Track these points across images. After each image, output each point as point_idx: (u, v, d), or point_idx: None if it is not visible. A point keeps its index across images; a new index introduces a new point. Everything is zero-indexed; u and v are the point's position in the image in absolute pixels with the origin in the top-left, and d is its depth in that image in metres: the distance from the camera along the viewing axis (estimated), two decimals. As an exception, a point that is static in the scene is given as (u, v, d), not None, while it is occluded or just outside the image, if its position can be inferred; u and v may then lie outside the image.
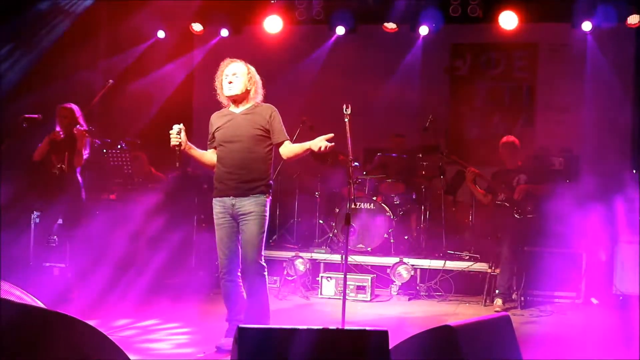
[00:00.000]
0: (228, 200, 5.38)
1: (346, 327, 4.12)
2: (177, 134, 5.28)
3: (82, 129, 7.49)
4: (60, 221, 7.58)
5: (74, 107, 7.65)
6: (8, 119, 7.74)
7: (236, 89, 5.42)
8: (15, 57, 9.06)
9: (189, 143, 5.37)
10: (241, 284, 5.50)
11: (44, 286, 7.12)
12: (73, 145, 7.53)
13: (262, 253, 5.40)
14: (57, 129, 7.56)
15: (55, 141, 7.53)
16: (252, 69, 5.55)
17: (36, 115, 7.36)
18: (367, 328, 3.43)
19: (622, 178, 9.61)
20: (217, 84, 5.54)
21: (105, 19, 10.81)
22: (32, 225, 7.37)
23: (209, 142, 5.60)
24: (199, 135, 5.71)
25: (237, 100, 5.48)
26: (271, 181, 5.51)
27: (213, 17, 10.60)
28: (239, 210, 5.34)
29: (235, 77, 5.42)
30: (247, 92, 5.47)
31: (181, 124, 5.33)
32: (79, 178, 7.59)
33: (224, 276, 5.45)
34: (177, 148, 5.28)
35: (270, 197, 5.48)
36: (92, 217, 8.65)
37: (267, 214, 5.42)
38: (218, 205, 5.45)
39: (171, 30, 10.76)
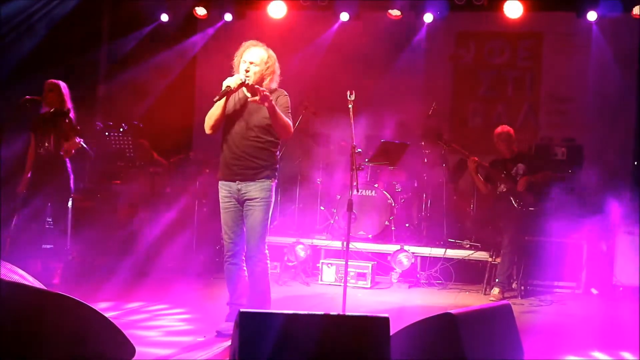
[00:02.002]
0: (234, 185, 5.37)
1: (347, 313, 4.12)
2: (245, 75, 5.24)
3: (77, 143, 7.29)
4: (49, 204, 7.45)
5: (62, 84, 7.41)
6: (10, 101, 7.70)
7: (251, 79, 5.32)
8: (17, 38, 9.05)
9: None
10: (244, 268, 5.50)
11: (44, 268, 7.18)
12: (59, 125, 7.28)
13: (266, 240, 5.41)
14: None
15: (43, 119, 7.32)
16: (273, 56, 5.44)
17: (38, 97, 7.31)
18: (369, 314, 3.43)
19: (625, 168, 9.62)
20: (234, 62, 5.43)
21: (108, 1, 10.78)
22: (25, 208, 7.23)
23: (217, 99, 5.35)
24: (201, 119, 5.64)
25: (251, 87, 5.34)
26: (277, 165, 5.49)
27: (217, 1, 10.53)
28: (245, 196, 5.35)
29: (253, 65, 5.32)
30: (262, 80, 5.37)
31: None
32: (67, 160, 7.33)
33: (228, 259, 5.47)
34: (228, 88, 5.21)
35: (276, 181, 5.47)
36: (93, 200, 8.67)
37: (273, 198, 5.42)
38: (224, 190, 5.44)
39: (174, 13, 10.70)
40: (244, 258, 5.48)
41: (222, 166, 5.46)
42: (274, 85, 5.45)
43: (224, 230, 5.47)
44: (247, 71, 5.32)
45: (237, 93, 5.45)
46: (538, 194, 7.83)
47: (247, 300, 5.44)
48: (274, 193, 5.43)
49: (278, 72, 5.49)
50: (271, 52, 5.46)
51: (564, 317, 6.97)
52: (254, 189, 5.33)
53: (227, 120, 5.43)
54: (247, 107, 5.40)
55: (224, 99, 5.30)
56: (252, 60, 5.34)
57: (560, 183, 8.44)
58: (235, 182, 5.37)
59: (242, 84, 5.29)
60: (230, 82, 5.25)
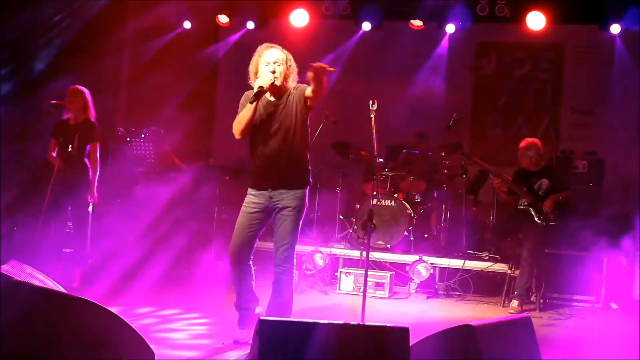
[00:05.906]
0: (266, 194, 5.25)
1: (367, 323, 4.10)
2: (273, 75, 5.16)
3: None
4: (70, 208, 7.48)
5: (86, 90, 7.42)
6: (34, 105, 7.77)
7: (279, 80, 5.23)
8: (42, 44, 9.15)
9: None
10: (252, 273, 5.43)
11: (64, 272, 7.22)
12: (85, 131, 7.31)
13: (294, 251, 5.29)
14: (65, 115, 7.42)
15: (66, 125, 7.36)
16: (290, 55, 5.36)
17: (62, 102, 7.36)
18: (389, 324, 3.42)
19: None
20: (251, 67, 5.32)
21: (132, 8, 10.87)
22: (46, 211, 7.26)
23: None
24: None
25: (276, 89, 5.28)
26: (310, 167, 5.38)
27: (239, 9, 10.60)
28: (277, 203, 5.23)
29: (277, 65, 5.24)
30: (286, 79, 5.29)
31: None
32: (88, 164, 7.36)
33: (231, 263, 5.37)
34: (261, 89, 5.10)
35: (309, 186, 5.36)
36: (114, 205, 8.72)
37: (305, 205, 5.30)
38: (252, 196, 5.31)
39: (197, 21, 10.78)
40: (250, 263, 5.41)
41: (254, 174, 5.34)
42: (294, 84, 5.36)
43: (234, 231, 5.36)
44: (273, 72, 5.22)
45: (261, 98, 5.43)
46: (560, 208, 7.75)
47: (268, 307, 5.38)
48: (306, 199, 5.31)
49: (296, 70, 5.37)
50: (286, 51, 5.37)
51: (583, 331, 6.91)
52: (288, 197, 5.22)
53: (253, 125, 5.28)
54: (272, 112, 5.28)
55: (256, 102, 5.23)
56: (275, 60, 5.25)
57: (581, 198, 8.38)
58: (267, 190, 5.25)
59: (273, 84, 5.18)
60: (262, 82, 5.12)
